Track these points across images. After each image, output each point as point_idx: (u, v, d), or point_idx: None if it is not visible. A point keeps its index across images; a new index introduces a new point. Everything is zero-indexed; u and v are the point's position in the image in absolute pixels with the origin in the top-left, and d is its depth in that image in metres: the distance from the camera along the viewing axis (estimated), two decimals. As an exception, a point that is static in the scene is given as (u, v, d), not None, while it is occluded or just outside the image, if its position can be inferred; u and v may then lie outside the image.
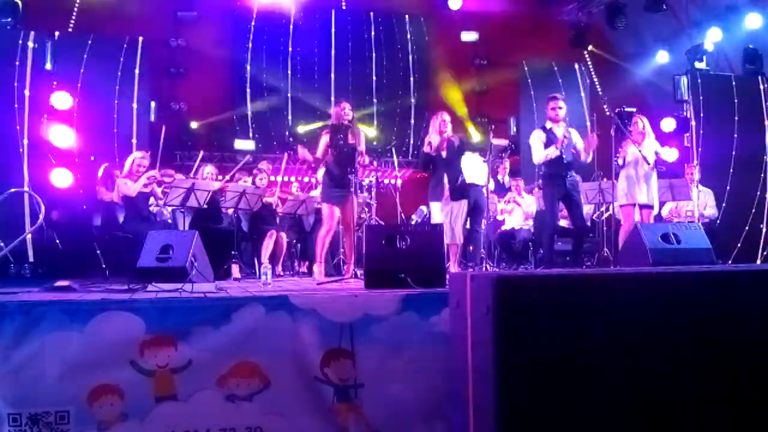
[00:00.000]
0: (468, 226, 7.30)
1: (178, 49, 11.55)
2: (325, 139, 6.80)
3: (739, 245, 8.57)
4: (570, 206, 7.11)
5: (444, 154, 6.92)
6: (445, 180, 6.93)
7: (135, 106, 9.98)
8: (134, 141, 9.89)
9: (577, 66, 12.46)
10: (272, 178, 8.87)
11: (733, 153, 9.34)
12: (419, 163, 7.14)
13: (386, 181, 10.32)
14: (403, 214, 8.96)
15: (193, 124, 11.39)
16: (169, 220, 7.68)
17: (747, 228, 9.00)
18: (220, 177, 8.21)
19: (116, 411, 3.65)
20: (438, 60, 12.80)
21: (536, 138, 7.07)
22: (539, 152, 6.99)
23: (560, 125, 7.02)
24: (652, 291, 2.80)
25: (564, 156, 6.90)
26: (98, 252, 7.94)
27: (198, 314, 3.84)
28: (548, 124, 7.07)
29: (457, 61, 12.69)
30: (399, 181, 7.84)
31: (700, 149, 9.57)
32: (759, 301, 2.81)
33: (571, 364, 2.64)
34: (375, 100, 12.49)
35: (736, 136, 9.43)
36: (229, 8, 12.11)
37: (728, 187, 8.97)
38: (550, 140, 6.93)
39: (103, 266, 7.62)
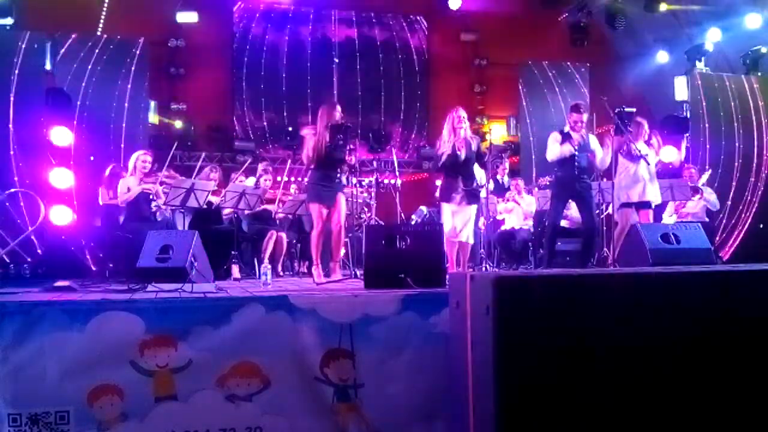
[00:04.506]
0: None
1: (178, 49, 11.55)
2: (312, 140, 6.62)
3: (737, 244, 8.57)
4: (581, 207, 7.06)
5: (462, 154, 6.70)
6: (460, 182, 6.75)
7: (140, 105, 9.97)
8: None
9: (577, 66, 12.47)
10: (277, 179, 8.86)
11: (733, 152, 9.34)
12: (434, 163, 6.96)
13: (386, 181, 10.33)
14: (402, 214, 8.95)
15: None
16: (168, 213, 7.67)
17: (746, 227, 9.00)
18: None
19: (116, 411, 3.65)
20: (438, 60, 12.81)
21: (553, 138, 7.03)
22: (554, 149, 6.90)
23: (577, 134, 6.96)
24: (651, 291, 2.80)
25: (578, 160, 6.85)
26: (98, 252, 7.93)
27: (198, 314, 3.84)
28: (566, 128, 7.03)
29: (457, 60, 12.69)
30: (399, 181, 7.80)
31: (703, 149, 9.56)
32: (758, 300, 2.82)
33: (571, 364, 2.64)
34: (381, 101, 12.52)
35: (735, 135, 9.42)
36: (229, 8, 12.11)
37: (733, 188, 8.96)
38: (566, 141, 6.87)
39: (103, 266, 7.61)
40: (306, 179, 9.29)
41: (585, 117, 7.02)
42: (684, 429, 2.71)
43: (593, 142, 7.03)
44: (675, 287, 2.85)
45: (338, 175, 6.55)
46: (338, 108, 6.77)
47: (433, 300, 4.08)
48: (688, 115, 10.10)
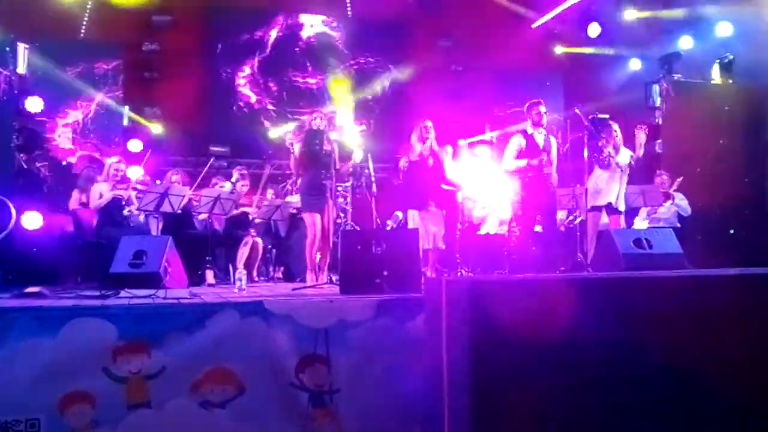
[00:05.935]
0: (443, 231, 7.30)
1: (152, 53, 11.46)
2: (297, 148, 6.71)
3: (709, 250, 8.65)
4: (545, 212, 7.15)
5: (430, 161, 6.88)
6: (428, 189, 6.88)
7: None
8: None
9: (551, 72, 12.60)
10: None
11: (705, 158, 9.45)
12: (401, 170, 7.07)
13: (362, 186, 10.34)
14: (378, 220, 8.96)
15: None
16: (141, 218, 7.61)
17: (717, 233, 9.11)
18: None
19: (88, 418, 3.61)
20: (414, 66, 12.84)
21: (514, 143, 7.05)
22: (509, 160, 6.99)
23: (541, 131, 7.03)
24: (623, 295, 2.83)
25: (545, 166, 6.94)
26: (70, 257, 7.82)
27: (171, 320, 3.82)
28: (529, 129, 7.08)
29: (432, 67, 12.72)
30: (375, 187, 7.81)
31: (675, 155, 9.64)
32: (729, 304, 2.86)
33: (546, 367, 2.66)
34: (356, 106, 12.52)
35: (707, 142, 9.53)
36: (205, 12, 12.04)
37: (704, 193, 9.04)
38: (530, 146, 6.93)
39: (75, 272, 7.50)
40: (283, 185, 9.36)
41: (543, 108, 7.10)
42: (657, 428, 2.74)
43: (553, 145, 7.13)
44: (647, 291, 2.88)
45: (323, 181, 6.56)
46: (319, 115, 6.85)
47: (409, 305, 4.10)
48: (661, 122, 10.21)
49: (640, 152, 7.37)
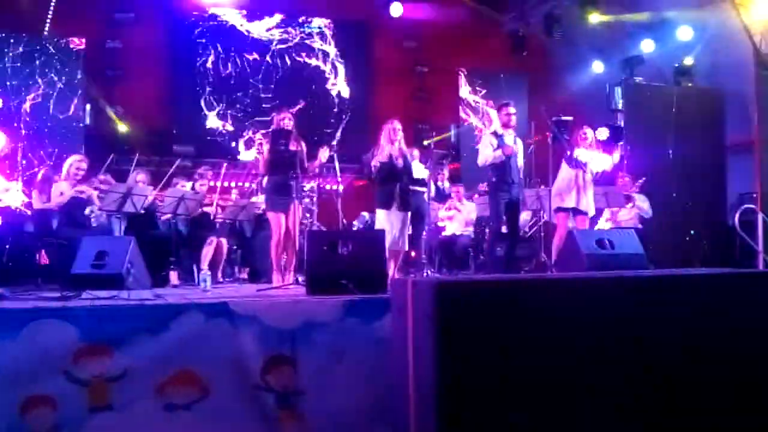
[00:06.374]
0: (410, 232, 7.30)
1: (115, 51, 11.31)
2: (265, 149, 6.70)
3: (670, 250, 8.81)
4: (510, 213, 7.18)
5: (400, 162, 6.84)
6: (397, 189, 6.88)
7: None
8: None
9: (516, 74, 12.74)
10: (212, 183, 8.71)
11: (665, 160, 9.61)
12: (366, 172, 7.03)
13: (328, 186, 10.34)
14: (344, 220, 8.94)
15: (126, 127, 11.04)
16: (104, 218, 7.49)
17: (677, 234, 9.28)
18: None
19: (49, 423, 3.55)
20: (380, 66, 12.87)
21: (487, 141, 7.08)
22: (486, 154, 7.00)
23: (510, 132, 7.07)
24: (586, 295, 2.87)
25: (512, 166, 6.96)
26: (30, 258, 7.68)
27: (135, 322, 3.76)
28: (500, 130, 7.11)
29: (398, 67, 12.76)
30: (341, 187, 7.80)
31: (636, 157, 9.79)
32: (688, 303, 2.92)
33: (510, 367, 2.68)
34: (323, 106, 12.50)
35: (667, 144, 9.70)
36: (168, 10, 11.91)
37: (665, 195, 9.19)
38: (501, 147, 6.97)
39: (35, 273, 7.37)
40: (248, 184, 9.30)
41: (513, 110, 7.15)
42: (617, 426, 2.78)
43: (519, 148, 7.17)
44: (608, 291, 2.92)
45: (289, 181, 6.52)
46: (286, 114, 6.80)
47: (376, 305, 4.09)
48: (623, 124, 10.37)
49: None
